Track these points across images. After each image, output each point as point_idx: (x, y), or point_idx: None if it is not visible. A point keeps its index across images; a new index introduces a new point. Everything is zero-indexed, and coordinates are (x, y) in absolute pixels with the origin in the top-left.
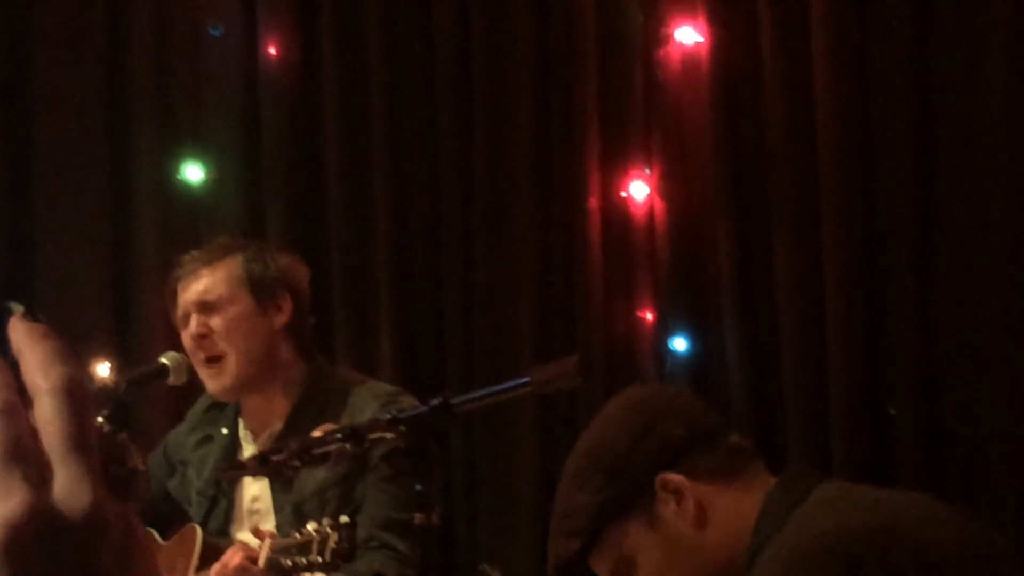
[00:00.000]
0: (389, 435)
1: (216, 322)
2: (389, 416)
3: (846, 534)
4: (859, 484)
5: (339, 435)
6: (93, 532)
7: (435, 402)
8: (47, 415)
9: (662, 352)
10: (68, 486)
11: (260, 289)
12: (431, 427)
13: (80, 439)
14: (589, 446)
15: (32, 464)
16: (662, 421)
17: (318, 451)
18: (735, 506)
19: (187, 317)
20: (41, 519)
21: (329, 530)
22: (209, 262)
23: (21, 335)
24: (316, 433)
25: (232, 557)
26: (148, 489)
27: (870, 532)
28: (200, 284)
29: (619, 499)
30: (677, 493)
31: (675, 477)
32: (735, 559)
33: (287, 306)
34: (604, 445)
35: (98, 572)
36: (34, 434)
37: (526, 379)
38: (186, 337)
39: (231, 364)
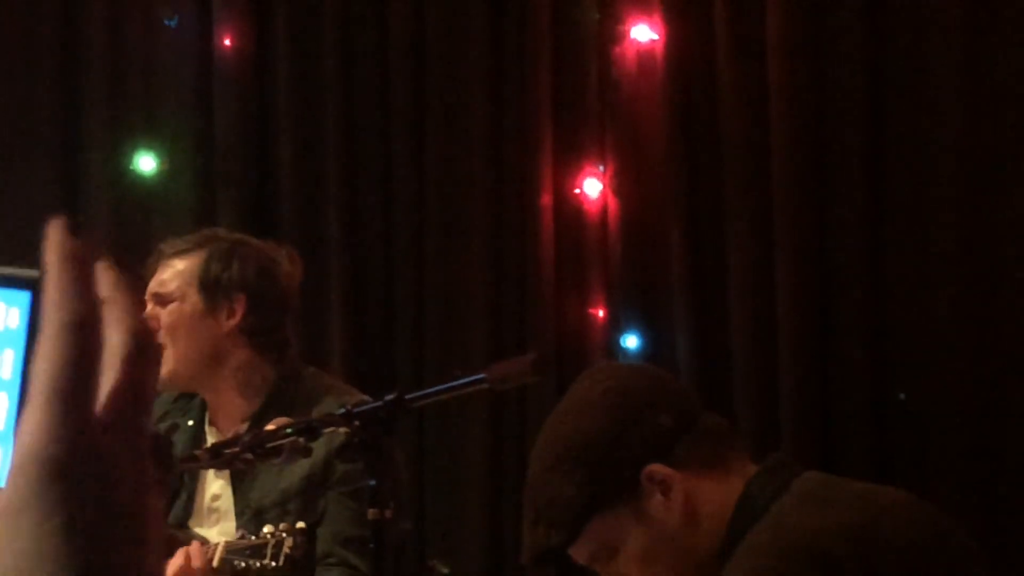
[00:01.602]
0: (343, 429)
1: (163, 316)
2: (343, 410)
3: (826, 533)
4: (840, 476)
5: (292, 429)
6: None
7: (390, 397)
8: (44, 351)
9: (613, 349)
10: (34, 434)
11: (212, 290)
12: (385, 422)
13: (65, 388)
14: (570, 434)
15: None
16: (648, 410)
17: (271, 444)
18: (717, 495)
19: (148, 304)
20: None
21: (284, 535)
22: (177, 254)
23: (52, 250)
24: (269, 427)
25: (194, 558)
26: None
27: (850, 532)
28: (162, 274)
29: (605, 492)
30: (663, 485)
31: (662, 468)
32: (715, 547)
33: (240, 309)
34: (587, 435)
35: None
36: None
37: (482, 375)
38: None
39: (168, 358)
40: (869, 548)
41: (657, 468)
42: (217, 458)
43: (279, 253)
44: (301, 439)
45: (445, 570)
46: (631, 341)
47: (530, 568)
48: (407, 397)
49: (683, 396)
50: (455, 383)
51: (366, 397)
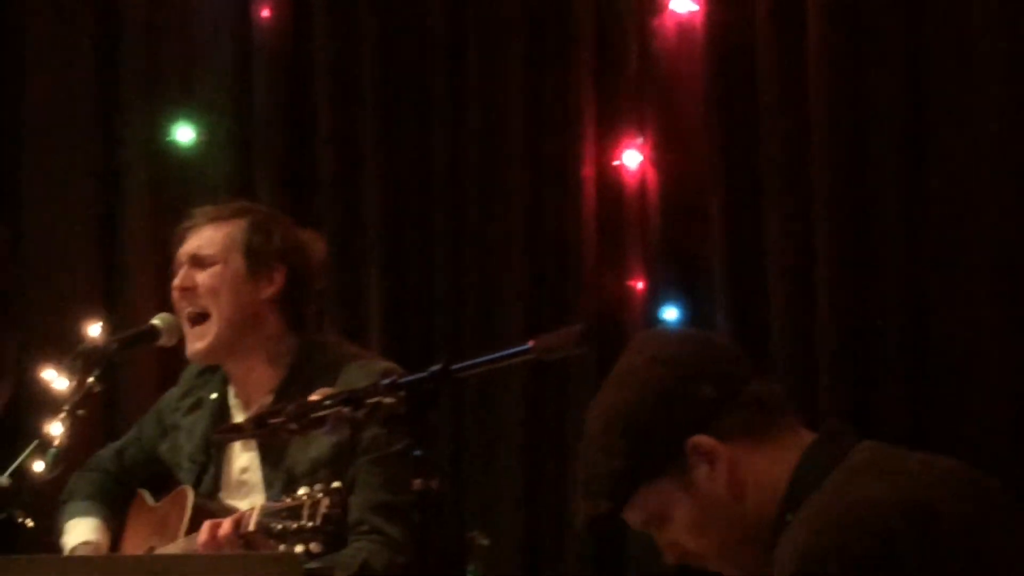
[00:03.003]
0: (388, 400)
1: (203, 278)
2: (388, 381)
3: (883, 506)
4: (897, 447)
5: (337, 399)
6: None
7: (435, 367)
8: None
9: (652, 321)
10: None
11: (255, 257)
12: (431, 393)
13: None
14: (617, 405)
15: None
16: (692, 381)
17: (315, 415)
18: (767, 465)
19: (179, 268)
20: None
21: (320, 494)
22: (215, 219)
23: None
24: (314, 397)
25: (222, 527)
26: None
27: (908, 504)
28: (199, 239)
29: (650, 464)
30: (708, 456)
31: (706, 440)
32: (768, 519)
33: (280, 279)
34: (633, 407)
35: None
36: None
37: (529, 346)
38: (173, 289)
39: (213, 325)
40: (926, 520)
41: (701, 440)
42: (262, 428)
43: (305, 232)
44: (346, 410)
45: (484, 541)
46: (670, 313)
47: (583, 534)
48: (453, 368)
49: (731, 364)
50: (501, 354)
51: (392, 364)
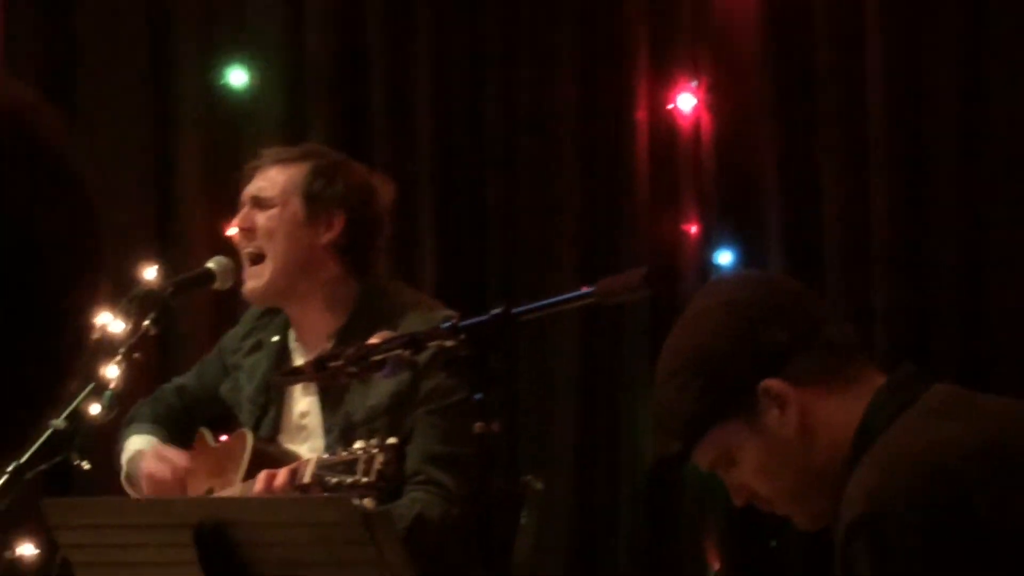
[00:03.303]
0: (448, 343)
1: (261, 219)
2: (449, 324)
3: (954, 447)
4: (970, 390)
5: (396, 342)
6: None
7: (496, 311)
8: None
9: (706, 266)
10: None
11: (314, 201)
12: (492, 336)
13: None
14: (689, 347)
15: None
16: (765, 324)
17: (374, 358)
18: (838, 409)
19: (242, 207)
20: None
21: (376, 450)
22: (281, 161)
23: None
24: (373, 340)
25: (278, 478)
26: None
27: (980, 447)
28: (263, 179)
29: (720, 405)
30: (779, 400)
31: (778, 384)
32: (837, 462)
33: (339, 224)
34: (705, 349)
35: None
36: None
37: (591, 290)
38: (236, 228)
39: (268, 266)
40: (996, 465)
41: (773, 383)
42: (321, 371)
43: (376, 178)
44: (406, 352)
45: (538, 485)
46: (724, 257)
47: (654, 473)
48: (514, 311)
49: (805, 308)
50: (563, 297)
51: (451, 312)
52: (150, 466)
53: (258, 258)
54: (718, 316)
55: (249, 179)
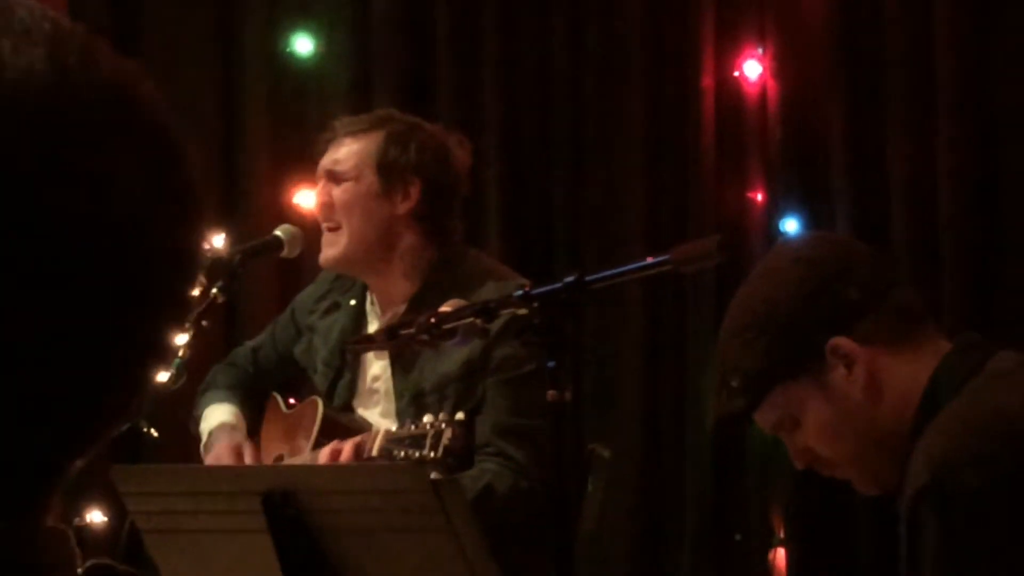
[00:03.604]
0: (520, 311)
1: (337, 193)
2: (521, 292)
3: (1021, 415)
4: None
5: (469, 310)
6: None
7: (569, 279)
8: None
9: (772, 233)
10: None
11: (389, 172)
12: (564, 304)
13: None
14: (758, 302)
15: None
16: (836, 282)
17: (447, 326)
18: (905, 373)
19: (319, 180)
20: None
21: (444, 425)
22: (354, 132)
23: None
24: (445, 308)
25: (343, 453)
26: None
27: None
28: (337, 153)
29: (788, 362)
30: (847, 359)
31: (846, 343)
32: (902, 426)
33: (415, 193)
34: (774, 304)
35: None
36: None
37: (666, 257)
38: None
39: (343, 237)
40: None
41: (841, 341)
42: (393, 339)
43: (451, 139)
44: (478, 321)
45: (605, 453)
46: (790, 224)
47: (714, 432)
48: (588, 279)
49: (877, 269)
50: (638, 264)
51: (525, 281)
52: (222, 452)
53: (336, 228)
54: (790, 273)
55: (323, 151)
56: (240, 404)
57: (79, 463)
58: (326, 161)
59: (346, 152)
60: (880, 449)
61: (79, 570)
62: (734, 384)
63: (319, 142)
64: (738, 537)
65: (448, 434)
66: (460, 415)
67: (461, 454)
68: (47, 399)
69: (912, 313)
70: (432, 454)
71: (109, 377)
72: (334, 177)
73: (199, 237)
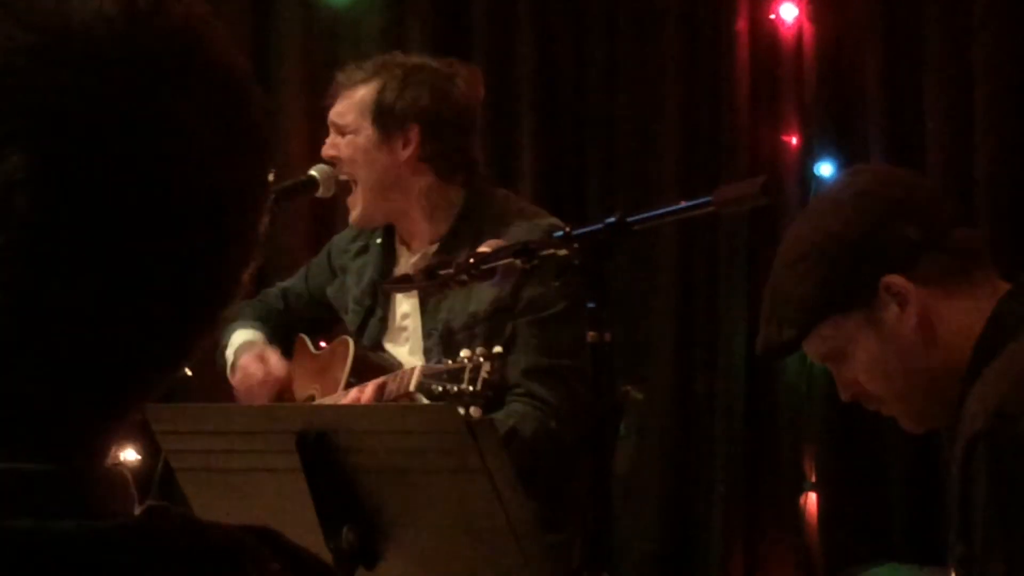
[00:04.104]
0: (561, 252)
1: (342, 147)
2: (562, 233)
3: None
4: None
5: (508, 251)
6: None
7: (610, 219)
8: None
9: (807, 177)
10: None
11: (384, 120)
12: (605, 245)
13: None
14: (816, 233)
15: None
16: (895, 219)
17: (486, 266)
18: (959, 314)
19: (329, 132)
20: None
21: (482, 359)
22: (351, 84)
23: None
24: (484, 248)
25: (364, 394)
26: None
27: None
28: (340, 105)
29: (841, 295)
30: (900, 297)
31: (901, 281)
32: (953, 368)
33: (415, 137)
34: (829, 237)
35: None
36: None
37: (709, 198)
38: (323, 155)
39: (358, 195)
40: None
41: (896, 279)
42: (432, 279)
43: (457, 72)
44: (517, 261)
45: (639, 395)
46: (825, 168)
47: (763, 360)
48: (629, 219)
49: (937, 208)
50: (681, 206)
51: (557, 220)
52: (247, 363)
53: (350, 186)
54: (850, 205)
55: (332, 103)
56: (266, 331)
57: (141, 402)
58: (332, 114)
59: (346, 104)
60: (927, 388)
61: (135, 511)
62: (785, 315)
63: (328, 95)
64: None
65: (487, 367)
66: (498, 348)
67: (500, 387)
68: (112, 338)
69: (971, 255)
70: (471, 388)
71: (176, 315)
72: (339, 130)
73: (265, 175)
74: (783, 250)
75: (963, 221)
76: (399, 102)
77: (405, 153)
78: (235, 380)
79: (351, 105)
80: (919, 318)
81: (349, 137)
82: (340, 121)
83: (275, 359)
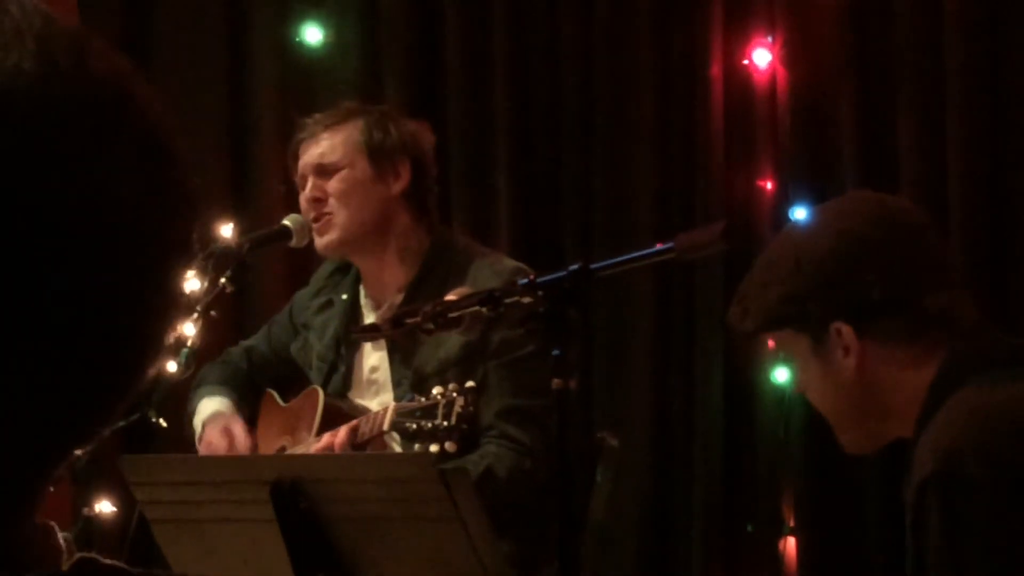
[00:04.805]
0: (526, 299)
1: (332, 185)
2: (526, 280)
3: None
4: None
5: (474, 299)
6: None
7: (574, 267)
8: None
9: (782, 221)
10: None
11: (379, 155)
12: (569, 292)
13: None
14: (796, 248)
15: None
16: (864, 271)
17: (452, 315)
18: (901, 377)
19: (304, 180)
20: None
21: (455, 394)
22: (330, 126)
23: None
24: (451, 297)
25: (338, 436)
26: None
27: None
28: (319, 147)
29: (795, 317)
30: (845, 346)
31: (849, 332)
32: (891, 412)
33: (406, 173)
34: (805, 261)
35: None
36: None
37: (670, 245)
38: (302, 200)
39: (337, 223)
40: None
41: (845, 329)
42: (398, 327)
43: (415, 122)
44: (483, 309)
45: (614, 442)
46: (800, 213)
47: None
48: (592, 267)
49: (918, 267)
50: (643, 252)
51: (521, 264)
52: (212, 436)
53: (325, 217)
54: (829, 241)
55: (300, 153)
56: (233, 397)
57: (65, 460)
58: (310, 158)
59: (329, 144)
60: (860, 422)
61: (63, 566)
62: (749, 307)
63: (292, 146)
64: (750, 528)
65: (460, 401)
66: (470, 383)
67: (474, 421)
68: (35, 395)
69: (937, 320)
70: (445, 423)
71: (98, 372)
72: (324, 170)
73: (188, 233)
74: (773, 244)
75: (948, 285)
76: (388, 138)
77: (396, 187)
78: (201, 451)
79: (338, 143)
80: (859, 367)
81: (341, 173)
82: (326, 160)
83: (240, 431)
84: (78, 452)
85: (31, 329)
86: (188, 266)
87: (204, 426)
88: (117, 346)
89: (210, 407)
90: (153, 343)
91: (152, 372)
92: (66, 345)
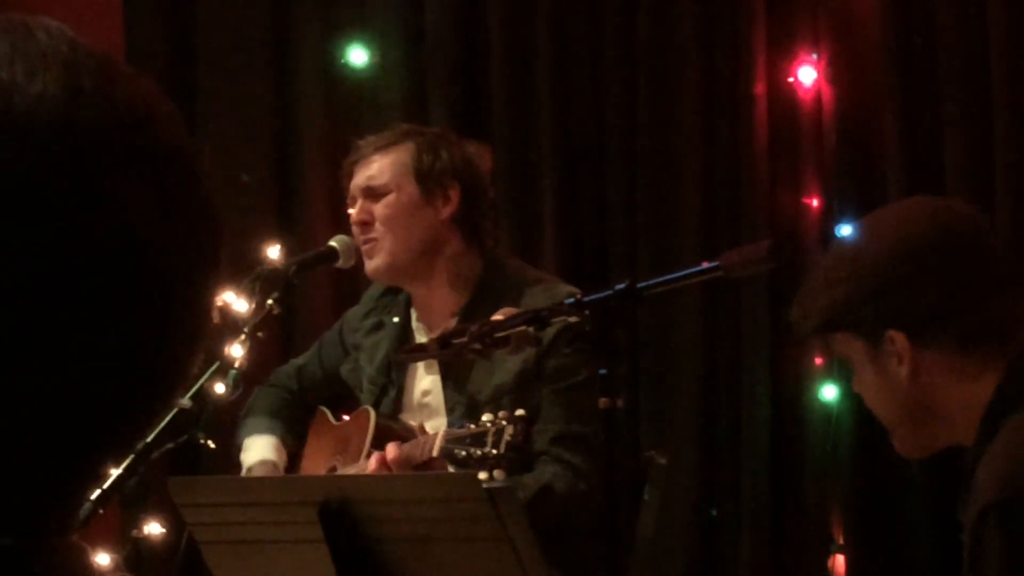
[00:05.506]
0: (572, 319)
1: (378, 210)
2: (573, 300)
3: None
4: None
5: (520, 318)
6: None
7: (621, 286)
8: None
9: (828, 239)
10: None
11: (427, 179)
12: (616, 311)
13: None
14: (859, 251)
15: None
16: (924, 281)
17: (499, 335)
18: (955, 390)
19: (354, 201)
20: None
21: (504, 422)
22: (381, 148)
23: None
24: (497, 316)
25: (388, 453)
26: None
27: None
28: (369, 170)
29: (853, 321)
30: (899, 354)
31: (902, 341)
32: (948, 425)
33: (456, 197)
34: (865, 265)
35: None
36: None
37: (717, 263)
38: (353, 224)
39: (386, 248)
40: None
41: (899, 337)
42: (445, 349)
43: (472, 146)
44: (530, 329)
45: (662, 461)
46: (847, 230)
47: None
48: (639, 286)
49: (978, 277)
50: (689, 271)
51: (573, 288)
52: None
53: (373, 240)
54: (894, 245)
55: (352, 174)
56: (282, 433)
57: (95, 478)
58: (359, 180)
59: (379, 167)
60: (914, 428)
61: None
62: (810, 306)
63: (345, 166)
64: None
65: (510, 430)
66: (520, 411)
67: (523, 449)
68: (60, 414)
69: (995, 331)
70: (495, 451)
71: (123, 389)
72: (372, 193)
73: (213, 255)
74: (837, 244)
75: (1001, 290)
76: (438, 162)
77: (445, 212)
78: None
79: (387, 166)
80: (912, 376)
81: (389, 197)
82: (375, 183)
83: None
84: (116, 472)
85: (57, 346)
86: (216, 284)
87: (250, 470)
88: (143, 366)
89: (257, 451)
90: (182, 361)
91: (183, 391)
92: (91, 363)
